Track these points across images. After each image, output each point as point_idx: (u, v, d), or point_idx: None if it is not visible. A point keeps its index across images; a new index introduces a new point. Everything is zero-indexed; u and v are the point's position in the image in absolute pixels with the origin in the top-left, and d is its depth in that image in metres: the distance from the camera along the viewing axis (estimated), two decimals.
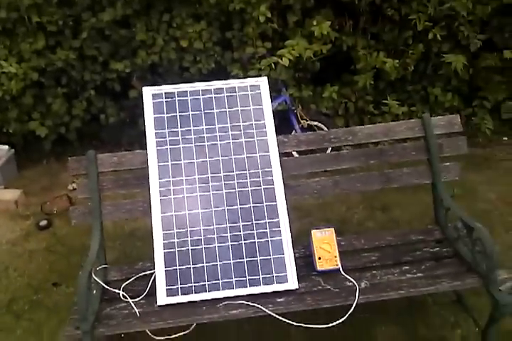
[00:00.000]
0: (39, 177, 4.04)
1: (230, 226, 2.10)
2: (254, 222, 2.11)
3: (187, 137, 2.20)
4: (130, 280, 2.13)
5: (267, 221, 2.11)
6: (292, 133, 4.03)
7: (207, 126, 2.22)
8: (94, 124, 4.11)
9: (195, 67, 3.76)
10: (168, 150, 2.18)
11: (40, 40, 3.56)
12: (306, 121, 3.98)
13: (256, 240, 2.09)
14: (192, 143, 2.20)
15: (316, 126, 4.00)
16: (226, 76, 3.76)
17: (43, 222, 3.41)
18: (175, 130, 2.21)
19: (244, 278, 2.02)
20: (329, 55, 3.86)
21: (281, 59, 3.37)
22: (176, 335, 2.10)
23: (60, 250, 3.16)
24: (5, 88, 3.54)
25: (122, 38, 3.64)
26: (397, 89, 4.39)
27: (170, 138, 2.20)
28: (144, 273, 2.14)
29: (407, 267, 2.16)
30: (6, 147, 3.99)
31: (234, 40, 3.69)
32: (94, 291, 2.02)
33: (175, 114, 2.23)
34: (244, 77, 3.69)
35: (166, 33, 3.62)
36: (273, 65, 3.49)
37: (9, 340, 2.50)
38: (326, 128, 3.99)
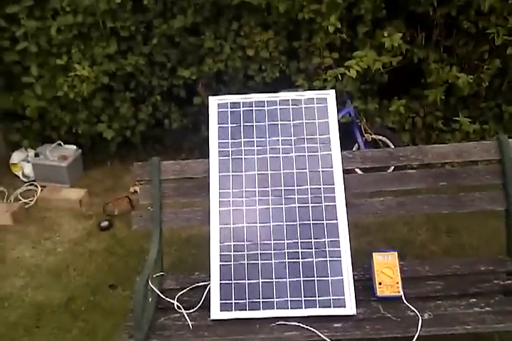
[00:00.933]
0: (103, 178, 4.14)
1: (288, 243, 2.04)
2: (313, 239, 2.04)
3: (250, 148, 2.17)
4: (185, 291, 2.11)
5: (327, 240, 2.04)
6: (355, 147, 3.92)
7: (270, 138, 2.18)
8: (158, 129, 4.18)
9: (259, 76, 3.74)
10: (230, 160, 2.15)
11: (113, 44, 3.66)
12: (371, 134, 3.86)
13: (314, 259, 2.01)
14: (254, 155, 2.16)
15: (380, 140, 3.87)
16: (290, 86, 3.71)
17: (105, 223, 3.48)
18: (238, 140, 2.18)
19: (300, 299, 1.95)
20: (398, 67, 3.73)
21: (349, 70, 3.28)
22: None
23: (119, 252, 3.21)
24: (77, 90, 3.65)
25: (191, 45, 3.67)
26: (469, 105, 4.18)
27: (232, 149, 2.17)
28: (198, 284, 2.12)
29: (474, 300, 2.02)
30: (74, 147, 4.13)
31: (300, 50, 3.64)
32: (150, 299, 2.01)
33: (239, 124, 2.20)
34: (309, 88, 3.62)
35: (233, 41, 3.61)
36: (339, 76, 3.40)
37: (65, 340, 2.54)
38: (391, 143, 3.85)
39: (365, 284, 2.11)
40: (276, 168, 2.14)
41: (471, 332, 1.86)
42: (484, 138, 4.18)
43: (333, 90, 2.24)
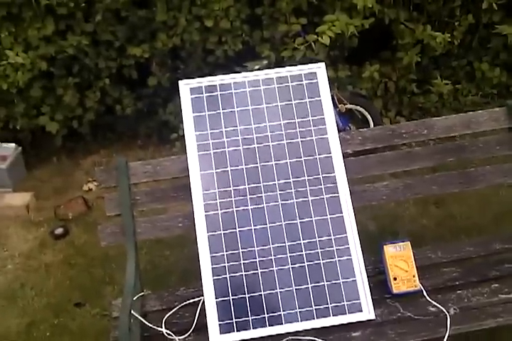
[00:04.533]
0: (50, 178, 3.64)
1: (289, 245, 1.77)
2: (317, 239, 1.77)
3: (234, 139, 1.85)
4: (173, 311, 1.80)
5: (334, 237, 1.78)
6: None
7: (256, 125, 1.86)
8: (109, 116, 3.74)
9: (220, 49, 3.37)
10: (212, 155, 1.83)
11: (49, 24, 3.17)
12: (345, 105, 3.60)
13: (321, 261, 1.75)
14: (240, 146, 1.84)
15: (356, 110, 3.62)
16: (255, 58, 3.37)
17: (59, 230, 3.06)
18: (219, 131, 1.85)
19: (311, 308, 1.70)
20: (366, 30, 3.45)
21: (322, 37, 2.97)
22: None
23: (80, 262, 2.83)
24: (10, 80, 3.17)
25: (140, 20, 3.24)
26: (440, 65, 3.97)
27: (213, 141, 1.85)
28: (188, 302, 1.82)
29: (497, 285, 1.83)
30: (13, 145, 3.58)
31: (264, 17, 3.28)
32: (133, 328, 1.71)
33: (218, 112, 1.87)
34: (277, 59, 3.29)
35: (188, 11, 3.20)
36: (313, 44, 3.08)
37: None
38: (366, 112, 3.61)
39: (376, 280, 1.87)
40: (266, 159, 1.84)
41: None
42: (457, 98, 4.02)
43: (323, 63, 1.94)
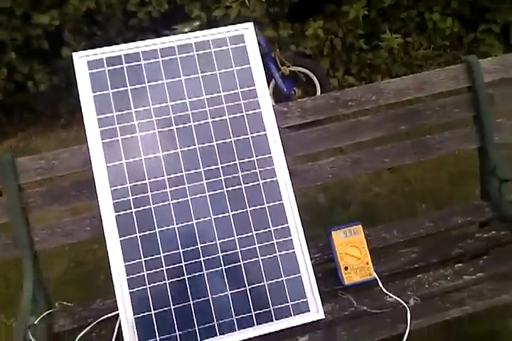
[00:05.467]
0: None
1: (221, 243, 1.49)
2: (254, 232, 1.50)
3: (146, 120, 1.53)
4: (87, 329, 1.51)
5: (273, 229, 1.51)
6: (271, 84, 3.35)
7: (173, 102, 1.54)
8: (22, 94, 3.30)
9: (143, 11, 2.96)
10: (120, 142, 1.51)
11: None
12: (288, 67, 3.28)
13: (260, 258, 1.49)
14: (154, 129, 1.52)
15: (300, 72, 3.32)
16: (185, 19, 2.99)
17: None
18: (127, 112, 1.52)
19: (250, 314, 1.45)
20: None
21: None
22: None
23: None
24: None
25: None
26: (388, 17, 3.69)
27: (121, 125, 1.52)
28: (105, 317, 1.53)
29: (460, 264, 1.61)
30: None
31: None
32: None
33: (125, 89, 1.53)
34: (208, 20, 2.92)
35: None
36: (247, 0, 2.72)
37: None
38: (311, 74, 3.31)
39: (325, 269, 1.64)
40: (188, 142, 1.53)
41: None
42: (408, 52, 3.77)
43: (251, 23, 1.61)
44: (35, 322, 1.44)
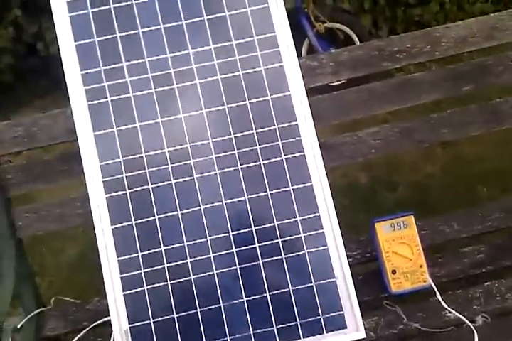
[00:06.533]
0: None
1: (235, 236, 1.19)
2: (276, 223, 1.19)
3: (141, 77, 1.22)
4: (81, 335, 1.26)
5: (299, 218, 1.20)
6: (305, 44, 2.97)
7: (173, 54, 1.22)
8: (34, 58, 3.01)
9: None
10: (110, 104, 1.21)
11: None
12: (324, 23, 2.89)
13: (283, 256, 1.19)
14: (151, 88, 1.21)
15: (338, 29, 2.92)
16: None
17: None
18: (118, 66, 1.21)
19: (271, 328, 1.16)
20: None
21: None
22: None
23: None
24: None
25: None
26: None
27: (109, 83, 1.21)
28: (102, 320, 1.27)
29: None
30: None
31: None
32: None
33: (113, 36, 1.22)
34: None
35: None
36: None
37: None
38: (351, 32, 2.92)
39: (366, 271, 1.33)
40: (193, 106, 1.22)
41: None
42: (462, 7, 3.30)
43: None
44: (19, 326, 1.19)
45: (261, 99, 1.22)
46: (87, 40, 1.22)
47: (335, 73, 1.32)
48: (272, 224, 1.19)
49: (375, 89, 1.34)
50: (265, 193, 1.20)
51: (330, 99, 1.33)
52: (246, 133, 1.21)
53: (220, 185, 1.20)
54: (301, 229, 1.19)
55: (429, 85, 1.35)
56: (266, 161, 1.21)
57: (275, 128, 1.22)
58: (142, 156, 1.20)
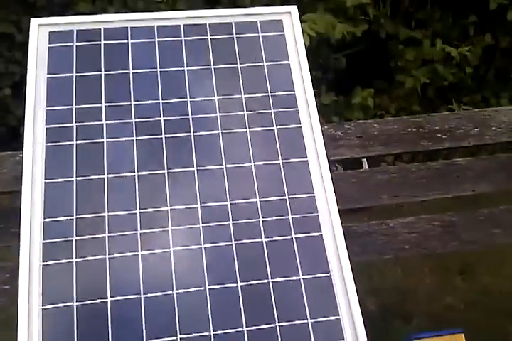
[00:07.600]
0: None
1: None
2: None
3: (121, 121, 0.96)
4: None
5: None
6: None
7: (166, 101, 0.98)
8: None
9: None
10: (75, 148, 0.93)
11: None
12: None
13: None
14: (132, 136, 0.95)
15: None
16: None
17: None
18: (95, 106, 0.96)
19: None
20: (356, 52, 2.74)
21: None
22: None
23: None
24: None
25: None
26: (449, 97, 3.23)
27: (79, 124, 0.95)
28: None
29: None
30: None
31: None
32: None
33: (97, 73, 0.99)
34: None
35: None
36: None
37: None
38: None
39: None
40: (183, 162, 0.94)
41: None
42: None
43: (295, 6, 1.10)
44: None
45: (269, 162, 0.95)
46: (63, 74, 0.98)
47: (362, 147, 1.07)
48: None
49: (409, 172, 1.08)
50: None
51: (356, 177, 1.06)
52: (250, 200, 0.91)
53: (203, 253, 0.86)
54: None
55: (476, 174, 1.09)
56: (267, 240, 0.88)
57: (285, 198, 0.92)
58: (104, 216, 0.88)
